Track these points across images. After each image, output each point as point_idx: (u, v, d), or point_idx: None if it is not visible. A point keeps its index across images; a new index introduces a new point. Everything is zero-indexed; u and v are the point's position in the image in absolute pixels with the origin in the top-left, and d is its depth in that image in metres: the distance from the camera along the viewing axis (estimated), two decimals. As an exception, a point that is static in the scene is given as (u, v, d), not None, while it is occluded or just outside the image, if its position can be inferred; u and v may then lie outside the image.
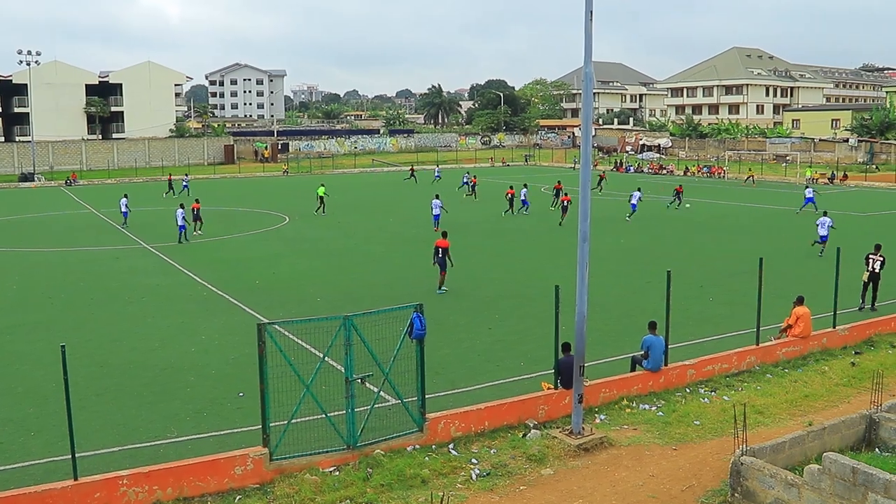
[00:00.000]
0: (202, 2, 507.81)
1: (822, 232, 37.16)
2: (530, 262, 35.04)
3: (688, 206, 56.47)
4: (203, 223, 46.07)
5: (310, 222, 50.32)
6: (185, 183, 71.87)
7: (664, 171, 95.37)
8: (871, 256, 26.63)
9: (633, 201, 50.96)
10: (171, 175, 79.04)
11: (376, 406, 14.76)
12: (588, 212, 15.03)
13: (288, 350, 14.09)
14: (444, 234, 30.37)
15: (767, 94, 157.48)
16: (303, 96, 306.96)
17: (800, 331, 21.13)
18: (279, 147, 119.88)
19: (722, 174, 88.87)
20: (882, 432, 14.30)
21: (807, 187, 59.54)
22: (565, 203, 49.53)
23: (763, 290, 20.52)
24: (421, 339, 14.63)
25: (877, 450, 14.13)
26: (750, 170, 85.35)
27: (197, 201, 47.23)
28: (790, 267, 33.15)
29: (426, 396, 15.10)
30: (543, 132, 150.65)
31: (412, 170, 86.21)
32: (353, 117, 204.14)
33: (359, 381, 14.22)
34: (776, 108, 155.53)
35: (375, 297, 27.16)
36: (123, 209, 50.39)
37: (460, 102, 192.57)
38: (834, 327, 22.12)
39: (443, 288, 29.03)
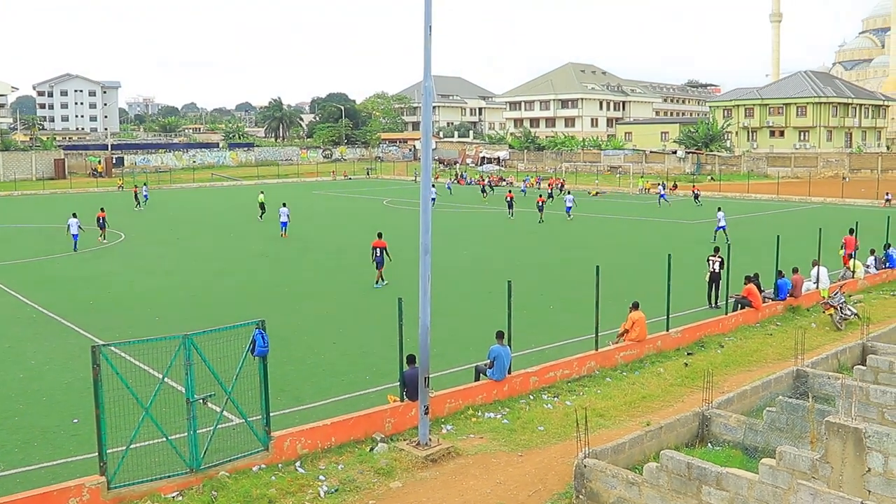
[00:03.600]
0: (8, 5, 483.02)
1: (722, 224, 44.39)
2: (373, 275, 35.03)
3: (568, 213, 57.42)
4: (106, 231, 47.33)
5: (147, 239, 48.71)
6: (145, 193, 73.58)
7: (504, 183, 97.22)
8: (710, 258, 28.58)
9: (569, 204, 57.49)
10: (136, 187, 75.71)
11: (220, 426, 14.37)
12: (429, 224, 15.14)
13: (125, 372, 13.54)
14: (380, 235, 33.20)
15: (601, 108, 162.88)
16: (138, 108, 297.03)
17: (636, 335, 21.96)
18: (114, 161, 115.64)
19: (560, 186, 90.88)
20: (713, 428, 15.00)
21: (659, 188, 72.99)
22: (539, 204, 55.63)
23: (600, 296, 21.20)
24: (264, 357, 14.34)
25: (709, 444, 14.81)
26: (647, 182, 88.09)
27: (102, 210, 48.73)
28: (626, 274, 34.44)
29: (271, 414, 14.81)
30: (385, 145, 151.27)
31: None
32: (191, 130, 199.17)
33: (200, 401, 13.80)
34: (609, 122, 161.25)
35: (216, 315, 26.52)
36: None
37: (301, 115, 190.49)
38: (667, 330, 23.09)
39: (380, 283, 32.02)
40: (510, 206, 59.08)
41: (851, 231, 34.66)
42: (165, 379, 13.73)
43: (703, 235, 46.78)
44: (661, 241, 45.74)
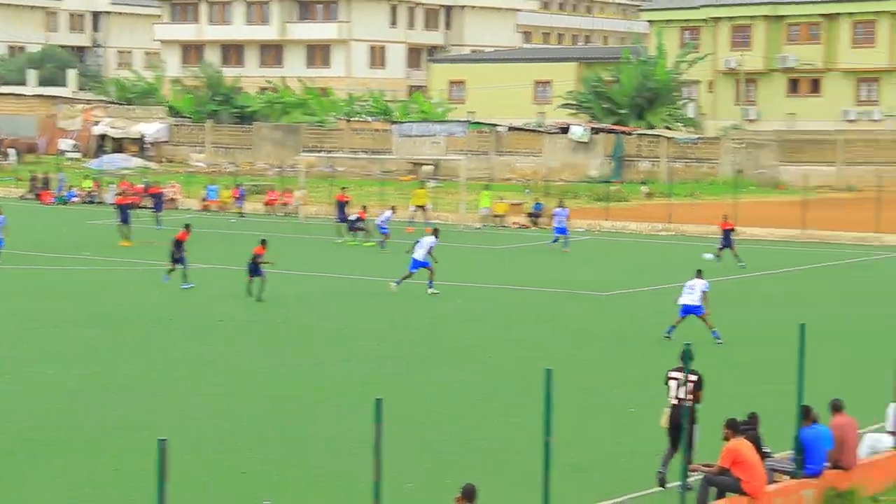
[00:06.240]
0: None
1: (697, 303, 20.45)
2: None
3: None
4: None
5: None
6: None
7: (154, 202, 41.77)
8: (672, 376, 12.43)
9: (418, 257, 25.73)
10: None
11: None
12: None
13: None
14: None
15: (395, 22, 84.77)
16: None
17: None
18: None
19: (290, 207, 44.96)
20: None
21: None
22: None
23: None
24: None
25: None
26: (498, 202, 43.14)
27: None
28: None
29: None
30: None
31: None
32: None
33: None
34: (414, 56, 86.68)
35: None
36: None
37: None
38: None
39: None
40: (177, 260, 26.06)
41: None
42: None
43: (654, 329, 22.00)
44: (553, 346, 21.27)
